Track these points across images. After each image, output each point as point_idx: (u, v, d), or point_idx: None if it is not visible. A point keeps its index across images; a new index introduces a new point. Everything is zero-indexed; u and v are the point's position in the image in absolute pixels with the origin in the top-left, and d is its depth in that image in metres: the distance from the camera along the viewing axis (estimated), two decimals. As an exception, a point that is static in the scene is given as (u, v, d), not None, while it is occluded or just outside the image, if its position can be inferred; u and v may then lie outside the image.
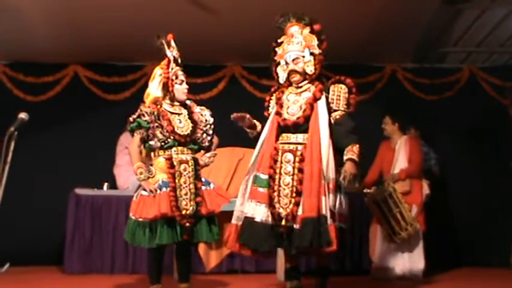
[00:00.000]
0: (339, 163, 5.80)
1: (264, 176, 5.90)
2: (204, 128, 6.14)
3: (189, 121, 6.05)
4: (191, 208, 5.80)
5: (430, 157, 9.17)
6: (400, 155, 8.40)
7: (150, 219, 5.69)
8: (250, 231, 5.81)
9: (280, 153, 5.88)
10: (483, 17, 8.54)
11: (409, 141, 8.46)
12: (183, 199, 5.80)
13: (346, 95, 5.93)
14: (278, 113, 6.04)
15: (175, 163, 5.86)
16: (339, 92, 5.89)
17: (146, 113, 5.90)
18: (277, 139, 5.99)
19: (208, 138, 6.18)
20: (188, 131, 5.98)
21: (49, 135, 9.78)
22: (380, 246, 8.25)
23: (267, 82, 9.73)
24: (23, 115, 5.53)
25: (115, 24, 8.44)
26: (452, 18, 8.58)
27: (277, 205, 5.74)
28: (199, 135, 6.07)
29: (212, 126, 6.23)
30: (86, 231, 8.51)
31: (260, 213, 5.81)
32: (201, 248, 8.33)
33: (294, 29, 6.08)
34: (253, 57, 9.65)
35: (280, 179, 5.80)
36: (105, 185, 8.92)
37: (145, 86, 6.26)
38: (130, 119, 5.95)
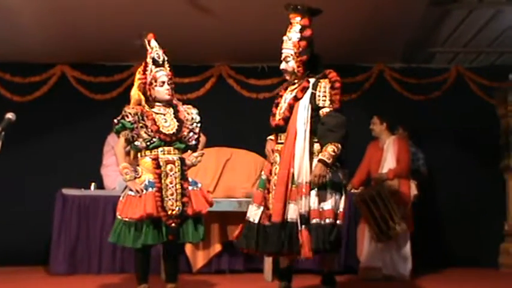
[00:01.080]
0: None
1: (264, 177, 5.98)
2: (190, 127, 6.11)
3: (174, 120, 6.02)
4: (177, 208, 5.78)
5: (418, 157, 9.17)
6: (388, 155, 8.41)
7: (135, 219, 5.68)
8: (244, 230, 5.93)
9: (273, 155, 5.90)
10: (470, 18, 8.55)
11: (398, 141, 8.47)
12: (169, 199, 5.79)
13: (330, 91, 5.76)
14: (272, 114, 6.06)
15: (161, 163, 5.85)
16: (325, 88, 5.74)
17: (130, 113, 5.88)
18: (277, 140, 6.00)
19: (195, 136, 6.14)
20: (174, 130, 5.96)
21: (36, 136, 9.73)
22: (367, 246, 8.26)
23: (255, 82, 9.76)
24: (10, 115, 5.47)
25: (103, 24, 8.41)
26: (440, 19, 8.59)
27: (270, 206, 5.76)
28: (185, 133, 6.04)
29: (199, 125, 6.19)
30: (73, 232, 8.46)
31: (251, 213, 5.90)
32: (188, 248, 8.31)
33: (294, 20, 5.94)
34: (241, 57, 9.66)
35: (272, 180, 5.83)
36: (92, 185, 8.89)
37: (132, 86, 6.25)
38: (115, 120, 5.94)
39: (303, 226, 5.51)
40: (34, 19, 8.32)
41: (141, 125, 5.86)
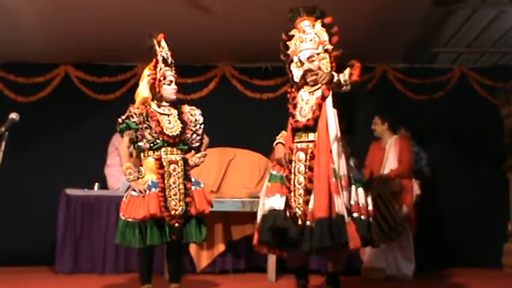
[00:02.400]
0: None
1: (278, 173, 5.92)
2: (194, 128, 6.13)
3: (178, 121, 6.05)
4: (180, 208, 5.82)
5: (421, 157, 9.16)
6: (390, 154, 8.41)
7: (139, 219, 5.70)
8: (264, 224, 5.78)
9: (294, 152, 5.88)
10: (474, 18, 8.55)
11: (399, 141, 8.47)
12: (172, 199, 5.82)
13: (350, 70, 5.72)
14: (291, 115, 6.01)
15: (164, 163, 5.87)
16: (344, 73, 5.70)
17: (135, 114, 5.91)
18: (293, 138, 5.97)
19: (198, 138, 6.17)
20: (177, 132, 5.99)
21: (40, 136, 9.76)
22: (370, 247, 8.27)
23: (258, 82, 9.75)
24: (13, 115, 5.50)
25: (106, 24, 8.42)
26: (443, 19, 8.59)
27: (293, 205, 5.72)
28: (188, 135, 6.07)
29: (202, 126, 6.21)
30: (77, 232, 8.49)
31: (274, 202, 5.77)
32: (192, 248, 8.33)
33: (305, 23, 6.00)
34: (245, 57, 9.66)
35: (295, 179, 5.79)
36: (96, 185, 8.90)
37: (136, 86, 6.27)
38: (119, 120, 5.96)
39: (349, 218, 5.50)
40: (37, 20, 8.33)
41: (145, 125, 5.89)
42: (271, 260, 7.83)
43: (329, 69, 5.88)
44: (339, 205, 5.48)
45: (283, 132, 6.10)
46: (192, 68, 9.89)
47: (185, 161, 6.01)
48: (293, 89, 6.12)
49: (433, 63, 10.31)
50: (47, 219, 8.92)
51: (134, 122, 5.89)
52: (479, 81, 10.10)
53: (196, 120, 6.18)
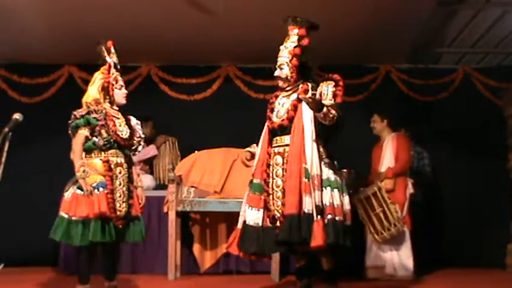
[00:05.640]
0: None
1: (257, 181, 6.01)
2: (138, 139, 6.29)
3: (126, 126, 6.18)
4: (124, 210, 5.95)
5: (423, 156, 9.16)
6: (387, 151, 8.38)
7: (87, 218, 5.76)
8: (243, 235, 5.94)
9: (272, 157, 5.97)
10: (478, 18, 8.54)
11: (397, 138, 8.44)
12: (117, 201, 5.93)
13: (333, 88, 5.82)
14: (268, 118, 6.15)
15: (112, 166, 5.96)
16: (327, 87, 5.82)
17: (95, 110, 6.01)
18: (270, 144, 6.05)
19: (140, 149, 6.38)
20: (127, 136, 6.13)
21: (43, 136, 9.74)
22: (370, 246, 8.28)
23: (262, 82, 9.74)
24: (17, 116, 5.53)
25: (109, 25, 8.40)
26: (447, 19, 8.58)
27: (271, 207, 5.85)
28: (135, 142, 6.23)
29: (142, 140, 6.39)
30: (80, 232, 8.49)
31: (252, 217, 5.91)
32: (196, 248, 8.35)
33: (292, 32, 6.13)
34: (248, 57, 9.65)
35: (272, 182, 5.91)
36: (99, 186, 8.89)
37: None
38: (76, 114, 6.05)
39: (319, 216, 5.55)
40: (40, 20, 8.34)
41: (102, 123, 5.94)
42: (275, 259, 7.84)
43: (289, 76, 6.08)
44: (307, 204, 5.58)
45: (253, 145, 6.39)
46: (195, 69, 9.90)
47: (129, 164, 6.13)
48: (273, 97, 6.33)
49: (436, 63, 10.29)
50: (50, 219, 8.90)
51: (95, 118, 5.98)
52: (483, 82, 10.09)
53: (140, 134, 6.33)
